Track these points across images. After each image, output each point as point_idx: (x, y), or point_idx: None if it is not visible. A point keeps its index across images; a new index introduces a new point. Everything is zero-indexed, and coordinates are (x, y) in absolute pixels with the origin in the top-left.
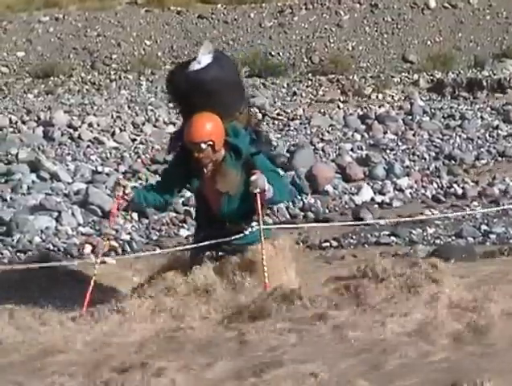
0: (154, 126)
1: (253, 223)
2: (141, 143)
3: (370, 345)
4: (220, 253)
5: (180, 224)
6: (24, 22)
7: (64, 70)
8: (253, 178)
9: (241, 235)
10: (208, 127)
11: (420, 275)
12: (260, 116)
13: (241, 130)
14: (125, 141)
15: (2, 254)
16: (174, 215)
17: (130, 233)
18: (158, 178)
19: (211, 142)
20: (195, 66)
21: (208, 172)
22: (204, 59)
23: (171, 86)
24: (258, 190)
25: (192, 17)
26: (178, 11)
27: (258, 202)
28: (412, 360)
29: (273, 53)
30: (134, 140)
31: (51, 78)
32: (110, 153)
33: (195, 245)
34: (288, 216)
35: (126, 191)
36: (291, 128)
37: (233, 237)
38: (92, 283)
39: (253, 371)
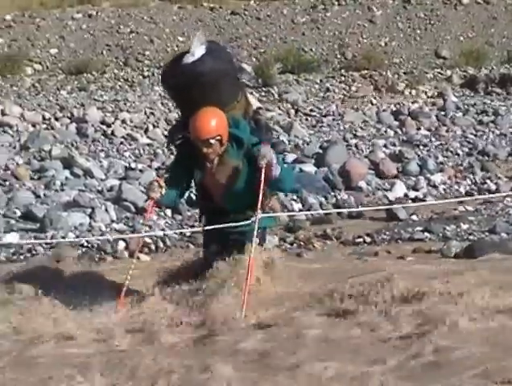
0: None
1: (258, 211)
2: None
3: None
4: (226, 244)
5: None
6: (57, 19)
7: (97, 67)
8: (262, 149)
9: (247, 222)
10: (215, 122)
11: None
12: (293, 112)
13: (241, 120)
14: (158, 138)
15: (35, 251)
16: None
17: (163, 229)
18: None
19: (219, 137)
20: (189, 58)
21: (213, 165)
22: (198, 50)
23: (167, 81)
24: (265, 161)
25: (224, 13)
26: (211, 7)
27: (262, 175)
28: None
29: (306, 49)
30: (166, 136)
31: (84, 75)
32: (143, 150)
33: (186, 230)
34: (321, 212)
35: (163, 192)
36: (324, 124)
37: (238, 224)
38: (126, 281)
39: None
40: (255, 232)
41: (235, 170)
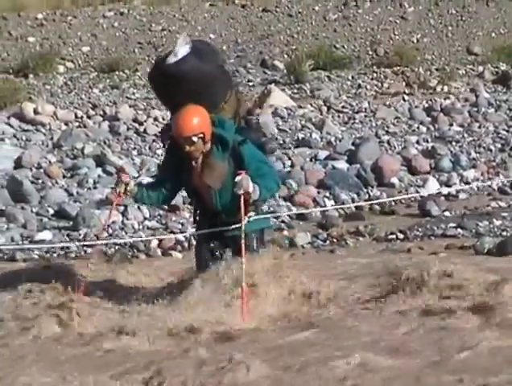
0: None
1: (251, 213)
2: None
3: None
4: (217, 247)
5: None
6: (89, 17)
7: (129, 64)
8: (237, 178)
9: (237, 226)
10: (197, 119)
11: None
12: (325, 109)
13: (227, 120)
14: None
15: (68, 248)
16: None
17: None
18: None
19: (201, 134)
20: (172, 59)
21: (198, 165)
22: (181, 50)
23: (151, 81)
24: (242, 191)
25: (256, 10)
26: (242, 5)
27: (242, 203)
28: None
29: (337, 46)
30: None
31: (116, 72)
32: None
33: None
34: (353, 209)
35: (128, 188)
36: (356, 120)
37: (230, 227)
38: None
39: None
40: (242, 237)
41: (221, 171)
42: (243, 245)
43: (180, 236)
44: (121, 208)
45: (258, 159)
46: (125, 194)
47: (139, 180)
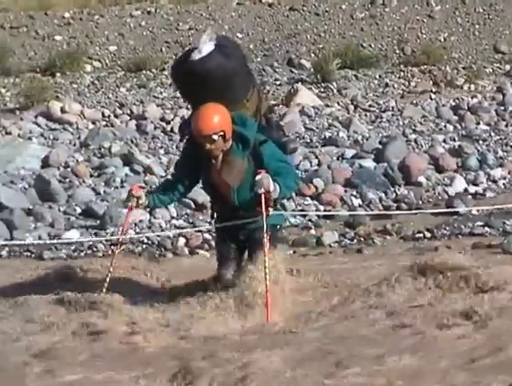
0: None
1: (269, 209)
2: None
3: None
4: (239, 240)
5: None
6: (116, 16)
7: (157, 63)
8: (257, 178)
9: (253, 219)
10: (217, 117)
11: None
12: (352, 108)
13: (249, 118)
14: None
15: (96, 248)
16: None
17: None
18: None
19: (222, 133)
20: (196, 55)
21: (217, 162)
22: (206, 47)
23: (175, 77)
24: (263, 190)
25: (283, 9)
26: (269, 4)
27: (263, 202)
28: None
29: (364, 44)
30: None
31: (144, 72)
32: None
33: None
34: (381, 207)
35: (140, 202)
36: (384, 119)
37: (248, 221)
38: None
39: None
40: (265, 237)
41: (240, 169)
42: (266, 244)
43: (189, 230)
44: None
45: (277, 159)
46: (137, 207)
47: (149, 188)
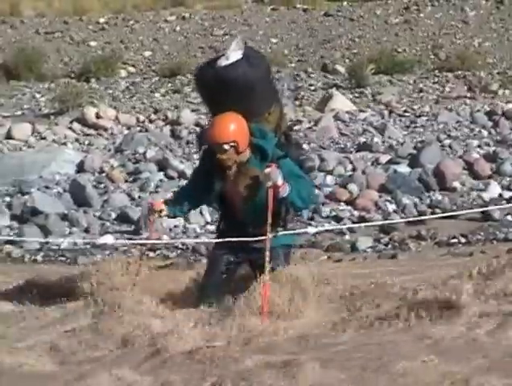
0: None
1: (278, 228)
2: None
3: None
4: (237, 257)
5: (308, 221)
6: (151, 21)
7: (191, 69)
8: (266, 170)
9: (255, 239)
10: (231, 127)
11: None
12: (386, 113)
13: (269, 132)
14: None
15: (131, 253)
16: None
17: None
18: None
19: (234, 143)
20: (223, 62)
21: (232, 174)
22: (233, 55)
23: (199, 82)
24: (271, 183)
25: (317, 15)
26: (304, 9)
27: (271, 196)
28: None
29: (399, 50)
30: None
31: (178, 77)
32: None
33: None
34: (416, 213)
35: (162, 214)
36: (418, 124)
37: (253, 239)
38: None
39: None
40: (267, 253)
41: (256, 182)
42: (267, 248)
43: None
44: None
45: (296, 174)
46: (159, 217)
47: (167, 198)
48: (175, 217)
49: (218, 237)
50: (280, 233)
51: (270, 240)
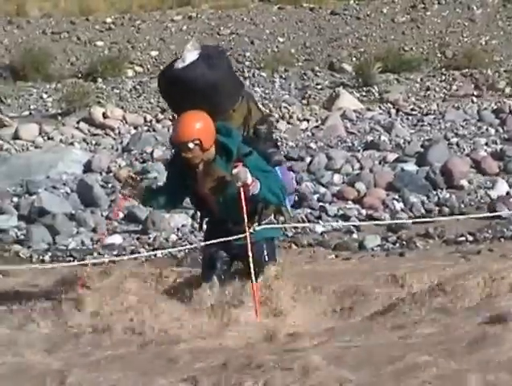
0: (288, 123)
1: (255, 224)
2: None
3: None
4: (229, 253)
5: (316, 220)
6: (157, 21)
7: None
8: (234, 171)
9: (242, 235)
10: (194, 125)
11: None
12: (394, 111)
13: (233, 129)
14: None
15: (139, 252)
16: (309, 211)
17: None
18: None
19: (198, 141)
20: (179, 64)
21: (200, 172)
22: (189, 56)
23: (159, 85)
24: (240, 183)
25: (324, 13)
26: (311, 8)
27: (242, 195)
28: None
29: (406, 48)
30: None
31: None
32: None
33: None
34: (423, 211)
35: (135, 191)
36: (425, 123)
37: (234, 237)
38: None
39: None
40: (249, 253)
41: (223, 181)
42: (249, 243)
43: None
44: (191, 212)
45: (262, 169)
46: (131, 196)
47: (148, 183)
48: (146, 205)
49: (205, 237)
50: (259, 228)
51: (251, 236)
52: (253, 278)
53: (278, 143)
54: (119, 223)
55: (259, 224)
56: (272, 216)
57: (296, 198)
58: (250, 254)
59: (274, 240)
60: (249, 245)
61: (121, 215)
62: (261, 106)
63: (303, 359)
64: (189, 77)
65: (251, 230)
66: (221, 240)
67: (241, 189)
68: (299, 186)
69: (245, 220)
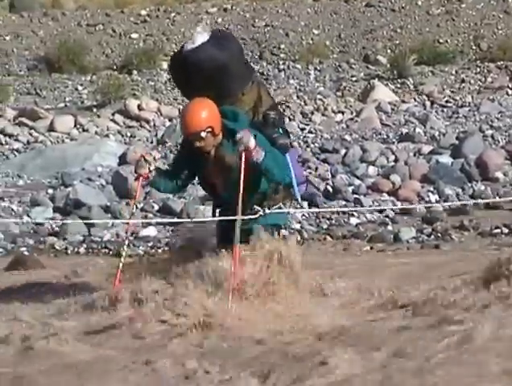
0: (323, 115)
1: (265, 207)
2: (310, 132)
3: None
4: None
5: (350, 213)
6: (192, 13)
7: None
8: (238, 135)
9: (251, 217)
10: (203, 114)
11: None
12: (428, 103)
13: (241, 113)
14: (294, 131)
15: (173, 243)
16: (343, 203)
17: (300, 222)
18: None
19: (210, 129)
20: (189, 45)
21: (210, 158)
22: (199, 38)
23: (170, 67)
24: (243, 146)
25: (359, 5)
26: (346, 0)
27: (243, 161)
28: None
29: (441, 40)
30: (302, 129)
31: None
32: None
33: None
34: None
35: (151, 168)
36: (460, 115)
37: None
38: (120, 265)
39: None
40: (237, 229)
41: (231, 165)
42: (239, 208)
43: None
44: None
45: (269, 152)
46: (146, 178)
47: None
48: (155, 187)
49: (217, 225)
50: (268, 211)
51: (260, 222)
52: (236, 239)
53: (290, 132)
54: (154, 215)
55: (269, 209)
56: (281, 204)
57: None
58: (238, 221)
59: (279, 227)
60: (239, 214)
61: (141, 198)
62: (272, 95)
63: None
64: (198, 58)
65: (261, 213)
66: (228, 218)
67: (243, 153)
68: (333, 179)
69: (241, 188)
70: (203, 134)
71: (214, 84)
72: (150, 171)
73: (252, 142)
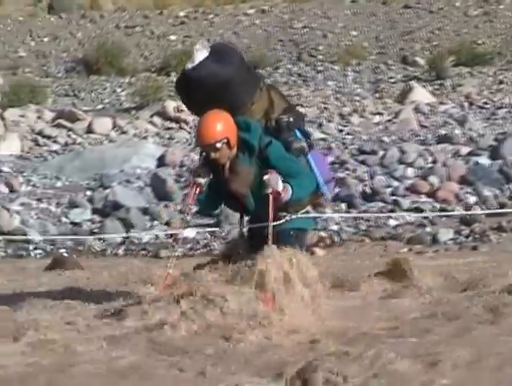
0: (362, 117)
1: (269, 242)
2: (348, 134)
3: None
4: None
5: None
6: (230, 14)
7: (271, 62)
8: (265, 177)
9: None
10: (218, 125)
11: None
12: (467, 105)
13: (252, 122)
14: (332, 132)
15: (212, 245)
16: (382, 204)
17: (338, 223)
18: None
19: (225, 140)
20: (189, 65)
21: (227, 171)
22: (199, 55)
23: (175, 90)
24: (270, 190)
25: (397, 7)
26: (383, 1)
27: (271, 202)
28: None
29: (479, 42)
30: (341, 131)
31: (258, 70)
32: (317, 145)
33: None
34: (496, 205)
35: (203, 181)
36: (499, 116)
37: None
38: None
39: None
40: (270, 237)
41: (249, 176)
42: (270, 241)
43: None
44: None
45: (285, 158)
46: (198, 186)
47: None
48: (204, 212)
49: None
50: (294, 216)
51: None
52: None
53: (310, 132)
54: (192, 216)
55: (296, 213)
56: (309, 208)
57: (337, 188)
58: (270, 250)
59: (307, 231)
60: (270, 241)
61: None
62: (287, 98)
63: None
64: (200, 76)
65: (287, 218)
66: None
67: (271, 196)
68: (371, 180)
69: (270, 229)
70: (218, 145)
71: (220, 98)
72: (199, 184)
73: (280, 185)
